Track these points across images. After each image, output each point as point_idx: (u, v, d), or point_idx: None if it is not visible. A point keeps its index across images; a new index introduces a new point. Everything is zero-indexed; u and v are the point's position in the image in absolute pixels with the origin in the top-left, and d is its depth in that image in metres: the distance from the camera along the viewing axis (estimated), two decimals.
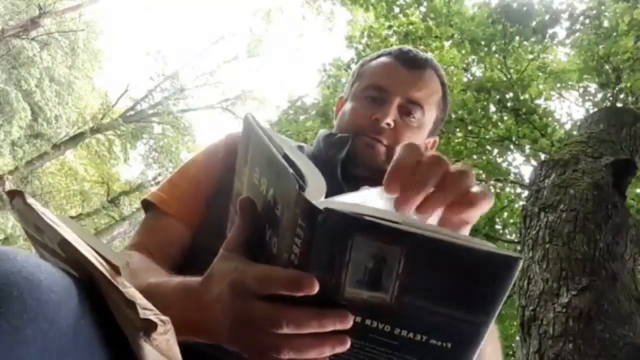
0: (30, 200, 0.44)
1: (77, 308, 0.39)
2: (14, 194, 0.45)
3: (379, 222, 0.41)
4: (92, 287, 0.42)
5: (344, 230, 0.42)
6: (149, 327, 0.39)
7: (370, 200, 0.51)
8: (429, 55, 0.97)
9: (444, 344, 0.44)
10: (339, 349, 0.46)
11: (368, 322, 0.45)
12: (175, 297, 0.55)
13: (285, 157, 0.48)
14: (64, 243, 0.41)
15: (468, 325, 0.43)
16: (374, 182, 0.64)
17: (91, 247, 0.42)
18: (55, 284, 0.38)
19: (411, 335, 0.44)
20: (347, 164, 0.86)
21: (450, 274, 0.41)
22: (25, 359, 0.35)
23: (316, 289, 0.43)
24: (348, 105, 0.93)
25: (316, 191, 0.44)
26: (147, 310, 0.39)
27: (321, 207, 0.41)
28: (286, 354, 0.45)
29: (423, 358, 0.45)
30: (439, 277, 0.42)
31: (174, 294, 0.56)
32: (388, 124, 0.86)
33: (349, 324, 0.44)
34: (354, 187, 0.59)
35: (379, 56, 0.96)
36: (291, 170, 0.45)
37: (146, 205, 0.86)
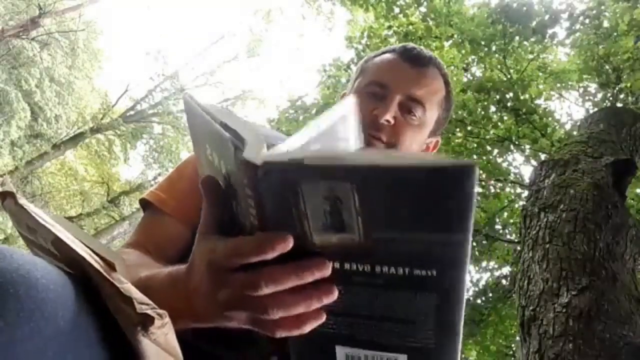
0: (21, 200, 0.44)
1: (73, 305, 0.39)
2: (5, 195, 0.45)
3: (319, 164, 0.39)
4: (88, 284, 0.41)
5: (288, 179, 0.40)
6: (146, 321, 0.39)
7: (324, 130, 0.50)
8: (433, 53, 0.96)
9: (429, 272, 0.42)
10: (327, 300, 0.45)
11: (347, 265, 0.44)
12: (165, 288, 0.55)
13: (224, 125, 0.46)
14: (58, 242, 0.41)
15: (445, 247, 0.41)
16: None
17: (85, 245, 0.42)
18: (51, 282, 0.38)
19: (393, 270, 0.43)
20: None
21: (408, 198, 0.39)
22: (22, 357, 0.35)
23: (280, 246, 0.43)
24: None
25: (254, 148, 0.42)
26: (143, 304, 0.39)
27: (259, 162, 0.40)
28: (275, 313, 0.45)
29: (412, 290, 0.44)
30: (398, 203, 0.40)
31: (164, 285, 0.56)
32: (387, 121, 0.84)
33: (327, 269, 0.44)
34: None
35: (383, 52, 0.95)
36: (228, 135, 0.44)
37: (144, 204, 0.85)
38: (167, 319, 0.41)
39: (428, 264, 0.42)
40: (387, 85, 0.88)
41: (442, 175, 0.37)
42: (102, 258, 0.41)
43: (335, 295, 0.45)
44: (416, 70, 0.89)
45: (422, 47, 0.97)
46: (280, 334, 0.46)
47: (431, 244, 0.41)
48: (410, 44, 0.95)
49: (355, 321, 0.49)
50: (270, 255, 0.43)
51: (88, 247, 0.42)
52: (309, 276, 0.44)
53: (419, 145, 0.92)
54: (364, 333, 0.51)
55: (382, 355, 0.52)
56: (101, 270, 0.40)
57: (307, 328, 0.46)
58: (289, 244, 0.43)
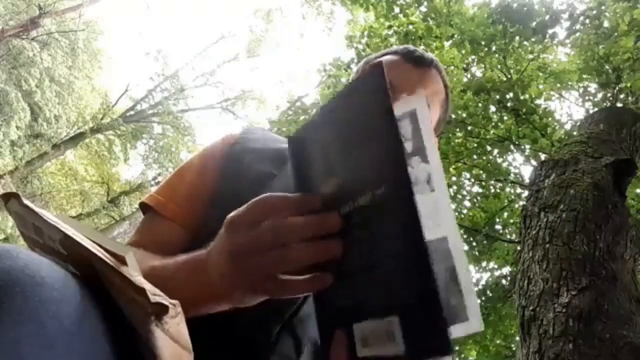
0: (26, 201, 0.44)
1: (79, 305, 0.39)
2: (9, 197, 0.45)
3: (310, 120, 0.55)
4: (94, 284, 0.42)
5: (300, 142, 0.54)
6: (161, 310, 0.39)
7: None
8: (433, 55, 0.97)
9: (382, 189, 0.45)
10: (334, 252, 0.47)
11: (340, 211, 0.49)
12: (185, 273, 0.57)
13: None
14: (66, 239, 0.41)
15: (386, 161, 0.45)
16: None
17: (95, 242, 0.42)
18: (57, 281, 0.38)
19: (362, 199, 0.47)
20: None
21: (347, 122, 0.49)
22: (27, 355, 0.35)
23: (314, 204, 0.50)
24: None
25: None
26: (156, 295, 0.40)
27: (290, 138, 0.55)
28: (288, 264, 0.48)
29: (379, 219, 0.46)
30: (343, 131, 0.50)
31: (183, 270, 0.57)
32: None
33: (338, 222, 0.48)
34: None
35: (385, 54, 0.96)
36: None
37: (144, 207, 0.85)
38: (180, 309, 0.42)
39: (378, 180, 0.46)
40: (392, 85, 0.88)
41: (356, 87, 0.49)
42: (111, 253, 0.41)
43: (340, 248, 0.47)
44: (419, 71, 0.90)
45: (422, 48, 0.97)
46: (290, 294, 0.49)
47: (375, 160, 0.46)
48: (411, 46, 0.96)
49: (350, 282, 0.50)
50: (305, 211, 0.48)
51: (98, 243, 0.42)
52: (323, 229, 0.48)
53: None
54: (359, 292, 0.50)
55: (379, 324, 0.51)
56: (112, 264, 0.40)
57: (314, 288, 0.49)
58: (318, 203, 0.49)
